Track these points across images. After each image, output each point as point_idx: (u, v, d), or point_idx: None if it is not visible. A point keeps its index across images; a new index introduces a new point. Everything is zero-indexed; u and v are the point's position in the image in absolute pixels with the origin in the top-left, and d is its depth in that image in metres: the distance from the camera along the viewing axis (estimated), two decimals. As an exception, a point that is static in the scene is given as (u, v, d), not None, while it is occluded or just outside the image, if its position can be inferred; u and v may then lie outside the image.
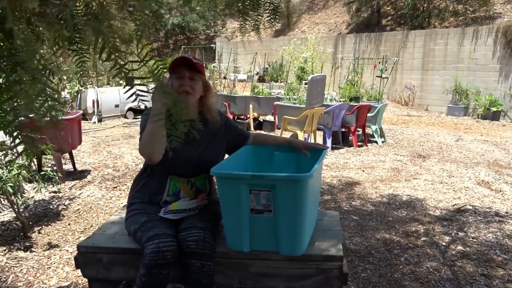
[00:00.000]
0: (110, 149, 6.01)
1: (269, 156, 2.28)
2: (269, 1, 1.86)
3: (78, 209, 3.61)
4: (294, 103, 7.00)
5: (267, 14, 1.88)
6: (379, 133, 6.95)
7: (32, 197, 3.77)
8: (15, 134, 0.82)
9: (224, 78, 11.34)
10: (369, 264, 2.73)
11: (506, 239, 3.13)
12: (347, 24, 16.11)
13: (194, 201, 2.00)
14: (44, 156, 4.41)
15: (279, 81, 13.87)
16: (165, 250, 1.70)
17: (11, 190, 2.72)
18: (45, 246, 2.87)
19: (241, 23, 1.83)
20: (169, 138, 1.10)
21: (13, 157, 2.84)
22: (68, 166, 4.84)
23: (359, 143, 6.70)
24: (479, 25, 11.63)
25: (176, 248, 1.74)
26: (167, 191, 1.97)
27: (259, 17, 1.83)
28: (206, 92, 2.02)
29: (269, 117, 8.52)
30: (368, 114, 6.75)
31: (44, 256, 2.75)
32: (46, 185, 3.19)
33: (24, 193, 3.71)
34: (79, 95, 8.82)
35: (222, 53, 16.88)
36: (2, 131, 0.87)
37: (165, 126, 1.08)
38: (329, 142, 6.26)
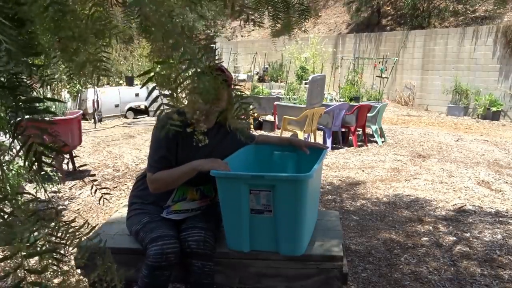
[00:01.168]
0: (110, 149, 6.01)
1: (269, 156, 2.28)
2: (298, 2, 1.85)
3: (78, 209, 3.60)
4: (294, 103, 7.00)
5: (297, 15, 1.88)
6: (379, 133, 6.95)
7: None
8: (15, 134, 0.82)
9: (224, 78, 11.31)
10: (369, 264, 2.73)
11: (507, 239, 3.13)
12: (347, 24, 16.11)
13: (196, 202, 2.00)
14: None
15: (279, 81, 13.86)
16: (168, 252, 1.70)
17: (9, 191, 2.71)
18: (45, 246, 2.87)
19: (273, 26, 1.82)
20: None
21: (12, 157, 2.83)
22: (68, 166, 4.84)
23: (359, 143, 6.70)
24: (479, 25, 11.63)
25: (179, 250, 1.74)
26: (173, 197, 1.96)
27: (291, 18, 1.83)
28: (229, 106, 2.00)
29: (269, 117, 8.52)
30: (368, 114, 6.75)
31: (44, 256, 2.75)
32: (46, 185, 3.18)
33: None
34: (79, 95, 8.82)
35: (222, 53, 16.87)
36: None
37: None
38: (329, 142, 6.26)
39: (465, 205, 3.85)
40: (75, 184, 4.28)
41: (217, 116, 1.99)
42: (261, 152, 2.29)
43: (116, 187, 4.24)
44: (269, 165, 2.27)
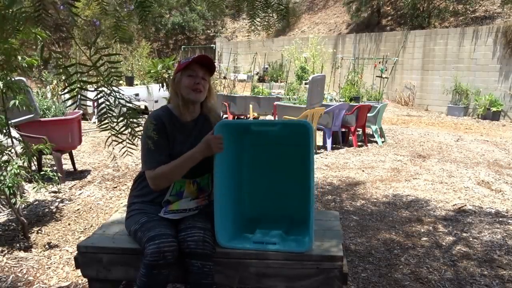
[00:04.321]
0: (110, 149, 6.00)
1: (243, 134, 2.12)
2: (277, 2, 1.86)
3: (78, 209, 3.60)
4: (294, 103, 7.00)
5: (276, 15, 1.89)
6: (379, 133, 6.95)
7: (33, 198, 3.77)
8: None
9: (224, 78, 11.33)
10: (369, 264, 2.73)
11: (506, 239, 3.13)
12: (347, 24, 16.11)
13: (195, 201, 2.00)
14: (44, 156, 4.41)
15: (279, 81, 13.86)
16: (165, 251, 1.70)
17: (8, 191, 2.70)
18: (45, 246, 2.87)
19: (250, 24, 1.84)
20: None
21: (10, 157, 2.83)
22: (68, 166, 4.83)
23: (359, 143, 6.70)
24: (479, 25, 11.63)
25: (176, 249, 1.75)
26: (170, 191, 1.97)
27: (269, 17, 1.84)
28: (208, 93, 2.06)
29: (269, 117, 8.52)
30: (368, 114, 6.75)
31: (44, 256, 2.75)
32: (46, 185, 3.18)
33: (24, 193, 3.71)
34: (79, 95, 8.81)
35: (222, 53, 16.87)
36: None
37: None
38: (329, 142, 6.26)
39: (465, 205, 3.85)
40: (75, 184, 4.28)
41: (200, 106, 2.06)
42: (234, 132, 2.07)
43: (116, 187, 4.24)
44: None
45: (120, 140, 1.06)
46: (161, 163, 1.88)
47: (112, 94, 1.02)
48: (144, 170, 1.92)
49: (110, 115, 1.04)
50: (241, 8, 1.87)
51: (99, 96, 1.01)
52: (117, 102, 1.03)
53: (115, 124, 1.04)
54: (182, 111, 1.98)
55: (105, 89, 1.00)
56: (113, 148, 1.10)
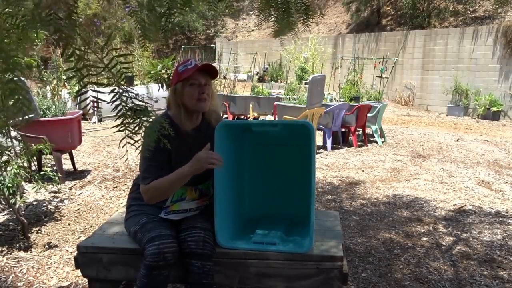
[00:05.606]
0: (110, 149, 6.01)
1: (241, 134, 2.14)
2: (300, 1, 1.80)
3: (78, 209, 3.60)
4: (294, 103, 7.00)
5: (299, 15, 1.83)
6: (379, 133, 6.95)
7: (33, 198, 3.77)
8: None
9: (224, 78, 11.33)
10: (369, 264, 2.73)
11: (506, 239, 3.13)
12: (347, 24, 16.11)
13: (195, 201, 2.00)
14: (44, 156, 4.41)
15: (279, 81, 13.86)
16: (166, 252, 1.70)
17: (7, 191, 2.70)
18: (45, 246, 2.87)
19: (275, 26, 1.79)
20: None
21: (10, 158, 2.83)
22: (68, 166, 4.83)
23: (359, 143, 6.69)
24: (479, 25, 11.63)
25: (176, 249, 1.74)
26: (171, 198, 1.94)
27: (291, 18, 1.79)
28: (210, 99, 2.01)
29: (269, 117, 8.51)
30: (368, 114, 6.74)
31: (44, 256, 2.75)
32: (46, 185, 3.18)
33: (24, 193, 3.71)
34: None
35: (222, 53, 16.87)
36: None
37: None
38: (329, 142, 6.26)
39: (465, 205, 3.85)
40: (75, 184, 4.28)
41: (201, 114, 2.00)
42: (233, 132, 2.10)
43: (116, 187, 4.24)
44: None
45: (133, 142, 1.06)
46: (155, 178, 1.84)
47: (125, 94, 1.02)
48: (140, 183, 1.89)
49: (127, 115, 1.04)
50: (268, 12, 1.80)
51: (114, 97, 1.01)
52: (130, 102, 1.03)
53: (130, 124, 1.04)
54: (183, 121, 1.92)
55: (119, 89, 1.00)
56: (126, 150, 1.10)
